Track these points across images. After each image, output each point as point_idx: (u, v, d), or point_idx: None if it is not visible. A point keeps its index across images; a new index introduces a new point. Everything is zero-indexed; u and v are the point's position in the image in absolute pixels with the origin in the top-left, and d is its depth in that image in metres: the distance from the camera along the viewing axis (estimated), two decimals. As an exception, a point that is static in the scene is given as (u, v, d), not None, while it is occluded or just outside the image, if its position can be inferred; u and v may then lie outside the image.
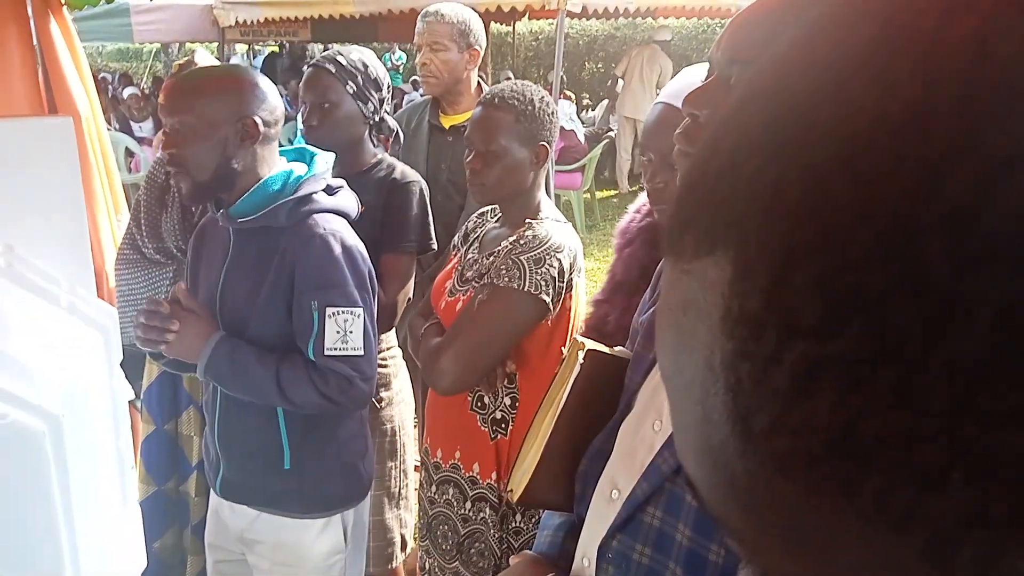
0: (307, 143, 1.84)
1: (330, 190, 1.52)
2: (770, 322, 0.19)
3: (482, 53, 2.24)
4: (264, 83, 1.46)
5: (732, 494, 0.22)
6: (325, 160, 1.55)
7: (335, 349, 1.39)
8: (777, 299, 0.19)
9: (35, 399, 0.78)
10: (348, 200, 1.55)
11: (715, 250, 0.21)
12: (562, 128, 7.13)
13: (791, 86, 0.20)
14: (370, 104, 1.92)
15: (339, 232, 1.44)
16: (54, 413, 0.79)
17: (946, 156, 0.16)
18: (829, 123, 0.19)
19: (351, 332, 1.40)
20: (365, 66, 1.91)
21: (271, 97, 1.46)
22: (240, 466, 1.54)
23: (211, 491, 1.65)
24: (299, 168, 1.50)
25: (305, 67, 1.97)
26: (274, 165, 1.48)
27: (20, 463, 0.77)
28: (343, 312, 1.40)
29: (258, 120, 1.40)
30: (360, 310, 1.42)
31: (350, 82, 1.88)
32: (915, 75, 0.17)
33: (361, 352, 1.41)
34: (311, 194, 1.45)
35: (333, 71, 1.87)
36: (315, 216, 1.44)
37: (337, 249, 1.41)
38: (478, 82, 2.28)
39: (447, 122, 2.24)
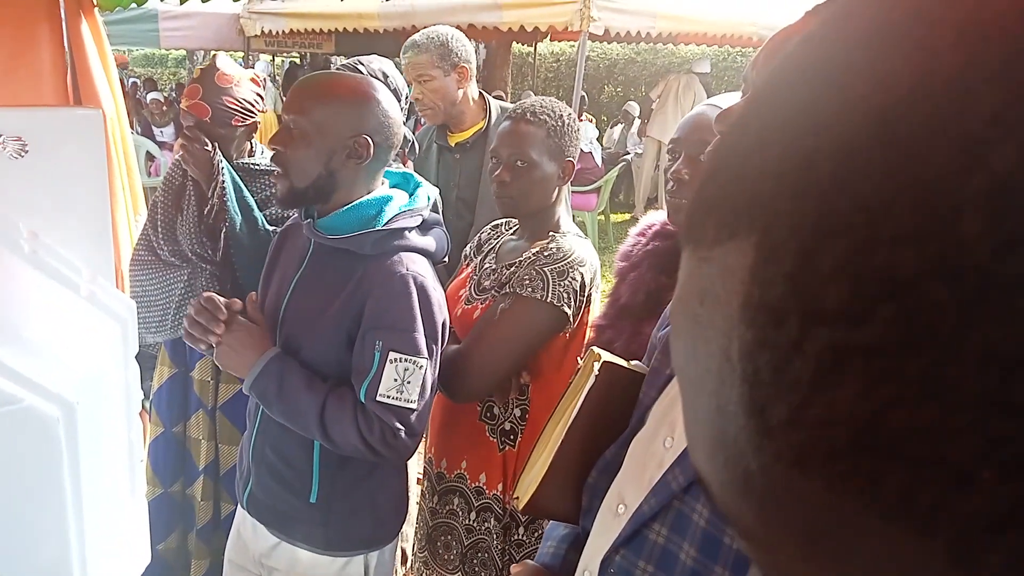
0: None
1: (425, 226, 1.45)
2: (793, 308, 0.18)
3: (472, 66, 2.20)
4: (389, 104, 1.39)
5: (745, 491, 0.21)
6: (428, 194, 1.49)
7: (388, 396, 1.31)
8: (802, 283, 0.18)
9: (51, 385, 0.78)
10: (439, 240, 1.48)
11: (737, 235, 0.20)
12: (580, 150, 7.18)
13: (825, 61, 0.20)
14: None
15: (422, 276, 1.36)
16: (69, 400, 0.79)
17: (989, 127, 0.16)
18: (865, 94, 0.18)
19: (409, 383, 1.32)
20: (385, 76, 1.92)
21: (393, 120, 1.39)
22: (267, 486, 1.49)
23: (238, 504, 1.60)
24: (399, 197, 1.43)
25: None
26: (375, 187, 1.42)
27: (34, 447, 0.77)
28: (406, 360, 1.32)
29: (371, 141, 1.34)
30: (424, 362, 1.34)
31: None
32: (958, 43, 0.17)
33: (414, 406, 1.33)
34: (404, 229, 1.38)
35: None
36: (401, 253, 1.37)
37: (415, 293, 1.34)
38: (479, 93, 2.28)
39: (453, 140, 2.24)
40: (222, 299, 1.37)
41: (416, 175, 1.56)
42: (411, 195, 1.47)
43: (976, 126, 0.16)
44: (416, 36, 2.19)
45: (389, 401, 1.31)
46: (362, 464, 1.44)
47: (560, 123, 1.51)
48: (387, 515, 1.53)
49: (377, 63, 1.95)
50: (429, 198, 1.48)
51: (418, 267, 1.37)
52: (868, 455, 0.17)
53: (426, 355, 1.34)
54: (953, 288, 0.16)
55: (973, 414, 0.16)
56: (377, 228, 1.36)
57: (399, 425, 1.32)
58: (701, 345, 0.21)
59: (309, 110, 1.33)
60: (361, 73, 1.88)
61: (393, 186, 1.49)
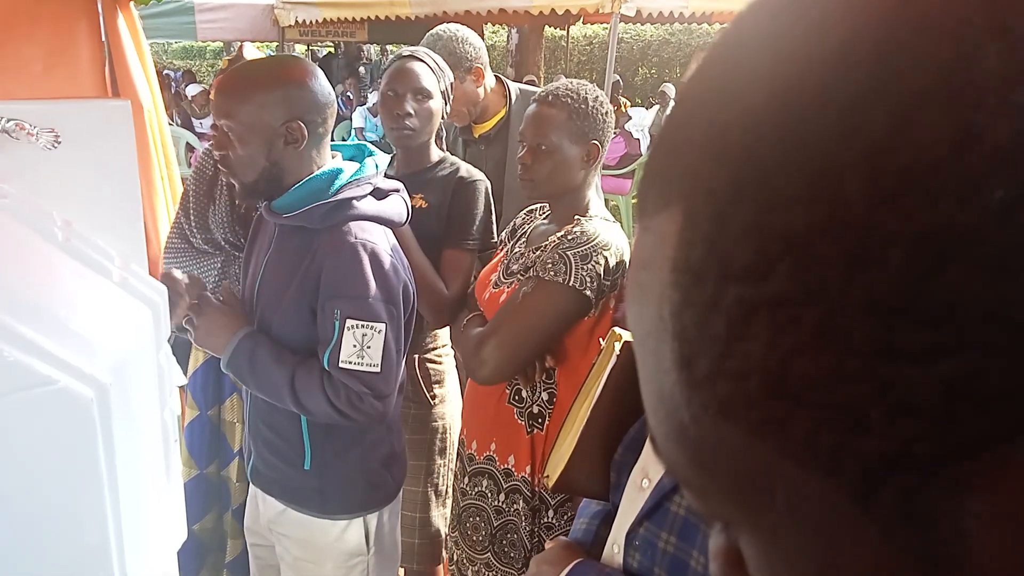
0: (392, 135, 1.83)
1: (380, 193, 1.47)
2: (710, 268, 0.19)
3: (485, 59, 2.16)
4: (312, 78, 1.39)
5: (681, 441, 0.22)
6: (376, 162, 1.50)
7: (350, 363, 1.36)
8: (717, 244, 0.19)
9: (85, 367, 0.81)
10: (395, 207, 1.50)
11: (670, 204, 0.21)
12: (629, 134, 7.12)
13: (741, 40, 0.21)
14: (447, 104, 1.92)
15: (372, 242, 1.39)
16: (103, 381, 0.82)
17: (867, 93, 0.17)
18: (768, 68, 0.19)
19: (369, 347, 1.36)
20: (444, 68, 1.92)
21: (320, 94, 1.39)
22: (265, 458, 1.56)
23: None
24: (350, 168, 1.45)
25: (392, 61, 1.95)
26: (324, 162, 1.44)
27: (69, 427, 0.80)
28: (363, 326, 1.35)
29: (303, 124, 1.36)
30: (383, 325, 1.37)
31: (441, 79, 1.87)
32: (845, 18, 0.18)
33: (377, 369, 1.37)
34: (351, 199, 1.40)
35: (430, 65, 1.86)
36: (351, 223, 1.40)
37: (366, 260, 1.37)
38: (496, 80, 2.23)
39: (477, 132, 2.23)
40: (180, 276, 1.45)
41: (370, 145, 1.58)
42: (361, 166, 1.48)
43: (855, 92, 0.17)
44: (421, 55, 2.14)
45: (351, 367, 1.36)
46: (349, 430, 1.49)
47: (584, 105, 1.50)
48: (380, 478, 1.58)
49: (432, 53, 1.95)
50: (378, 166, 1.50)
51: (369, 234, 1.40)
52: (777, 402, 0.18)
53: (384, 319, 1.37)
54: (838, 244, 0.17)
55: (863, 360, 0.17)
56: (324, 200, 1.38)
57: (365, 389, 1.37)
58: (643, 309, 0.23)
59: (235, 112, 1.35)
60: (435, 60, 1.87)
61: (349, 158, 1.51)
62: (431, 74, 1.84)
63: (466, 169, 1.91)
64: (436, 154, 1.92)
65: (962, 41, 0.16)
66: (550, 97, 1.52)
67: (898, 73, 0.17)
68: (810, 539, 0.20)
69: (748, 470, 0.20)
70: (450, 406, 2.02)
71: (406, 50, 1.92)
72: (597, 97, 1.54)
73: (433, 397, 1.97)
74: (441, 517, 2.04)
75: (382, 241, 1.43)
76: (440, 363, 1.98)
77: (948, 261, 0.16)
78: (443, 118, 1.92)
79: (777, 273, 0.18)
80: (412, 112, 1.79)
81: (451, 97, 1.94)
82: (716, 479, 0.22)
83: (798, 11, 0.19)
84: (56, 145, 1.02)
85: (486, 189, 1.91)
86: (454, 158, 1.96)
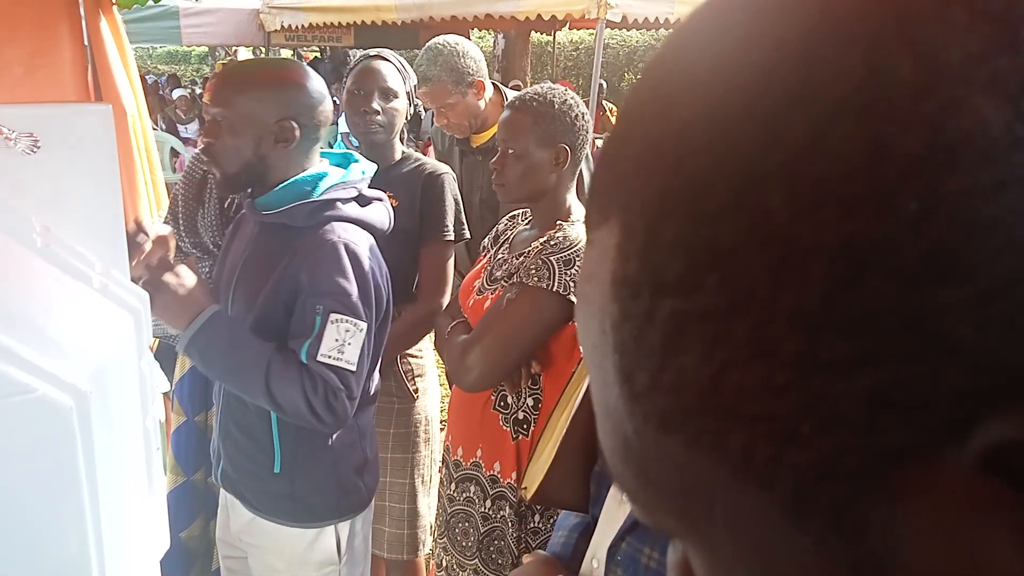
0: (359, 131, 1.88)
1: (363, 200, 1.48)
2: (645, 281, 0.19)
3: (485, 75, 2.19)
4: (313, 84, 1.41)
5: (626, 455, 0.22)
6: (362, 168, 1.52)
7: (329, 356, 1.33)
8: (650, 257, 0.19)
9: (64, 375, 0.80)
10: (379, 214, 1.50)
11: (609, 217, 0.21)
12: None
13: (675, 54, 0.21)
14: (411, 105, 1.97)
15: (354, 244, 1.40)
16: (82, 389, 0.81)
17: (788, 104, 0.17)
18: (699, 81, 0.19)
19: (348, 344, 1.35)
20: (408, 70, 1.98)
21: (317, 100, 1.41)
22: (235, 460, 1.54)
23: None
24: (336, 172, 1.47)
25: (357, 61, 1.99)
26: (312, 166, 1.46)
27: (48, 437, 0.79)
28: (346, 321, 1.34)
29: (295, 124, 1.37)
30: (364, 324, 1.36)
31: (406, 80, 1.93)
32: (770, 31, 0.18)
33: (353, 368, 1.36)
34: (335, 200, 1.42)
35: (396, 66, 1.93)
36: (334, 223, 1.41)
37: (347, 260, 1.37)
38: (493, 89, 2.25)
39: (476, 142, 2.25)
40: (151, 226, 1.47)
41: (355, 153, 1.59)
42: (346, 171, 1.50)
43: (777, 105, 0.17)
44: (423, 68, 2.12)
45: (330, 361, 1.34)
46: (319, 433, 1.46)
47: (549, 109, 1.51)
48: (353, 484, 1.56)
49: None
50: (364, 172, 1.51)
51: (351, 235, 1.41)
52: (713, 416, 0.18)
53: (364, 319, 1.37)
54: (762, 255, 0.17)
55: (790, 373, 0.17)
56: (310, 200, 1.39)
57: (340, 385, 1.35)
58: (588, 321, 0.23)
59: (232, 102, 1.36)
60: (401, 61, 1.95)
61: (334, 165, 1.52)
62: (396, 74, 1.91)
63: (431, 164, 1.97)
64: (399, 151, 1.97)
65: (875, 53, 0.16)
66: (517, 102, 1.54)
67: (817, 85, 0.17)
68: (749, 551, 0.19)
69: (689, 483, 0.20)
70: (431, 398, 2.08)
71: (372, 51, 1.98)
72: (565, 101, 1.53)
73: (416, 391, 2.01)
74: (427, 506, 2.08)
75: (364, 245, 1.43)
76: (420, 357, 2.04)
77: (865, 272, 0.16)
78: (407, 118, 1.98)
79: (707, 286, 0.18)
80: (379, 110, 1.85)
81: (415, 99, 2.00)
82: (660, 492, 0.22)
83: (728, 25, 0.19)
84: (35, 150, 1.01)
85: (452, 180, 1.97)
86: (418, 154, 2.02)
